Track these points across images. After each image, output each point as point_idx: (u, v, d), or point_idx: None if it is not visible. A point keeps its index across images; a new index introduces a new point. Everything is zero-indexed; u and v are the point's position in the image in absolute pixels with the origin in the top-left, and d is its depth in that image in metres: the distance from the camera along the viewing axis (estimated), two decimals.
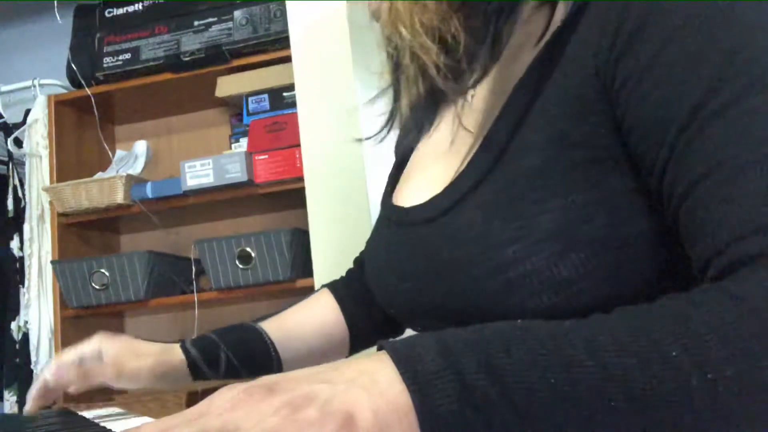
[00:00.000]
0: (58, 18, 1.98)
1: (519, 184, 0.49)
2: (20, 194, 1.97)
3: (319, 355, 0.79)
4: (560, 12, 0.51)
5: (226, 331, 0.77)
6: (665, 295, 0.40)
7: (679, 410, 0.35)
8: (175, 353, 0.75)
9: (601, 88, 0.46)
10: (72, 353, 0.75)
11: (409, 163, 0.68)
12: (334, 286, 0.83)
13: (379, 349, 0.39)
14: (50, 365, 0.75)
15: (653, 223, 0.46)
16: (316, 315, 0.80)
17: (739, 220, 0.39)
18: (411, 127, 0.70)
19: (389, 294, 0.62)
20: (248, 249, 1.69)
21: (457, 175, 0.54)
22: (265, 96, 1.83)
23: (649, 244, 0.46)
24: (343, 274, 0.86)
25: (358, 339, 0.81)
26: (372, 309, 0.79)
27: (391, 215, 0.63)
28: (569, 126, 0.47)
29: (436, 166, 0.61)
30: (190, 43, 1.84)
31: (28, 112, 1.97)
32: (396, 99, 0.66)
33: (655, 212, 0.46)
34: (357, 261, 0.86)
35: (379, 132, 0.69)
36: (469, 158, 0.54)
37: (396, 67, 0.63)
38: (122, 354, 0.74)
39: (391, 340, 0.40)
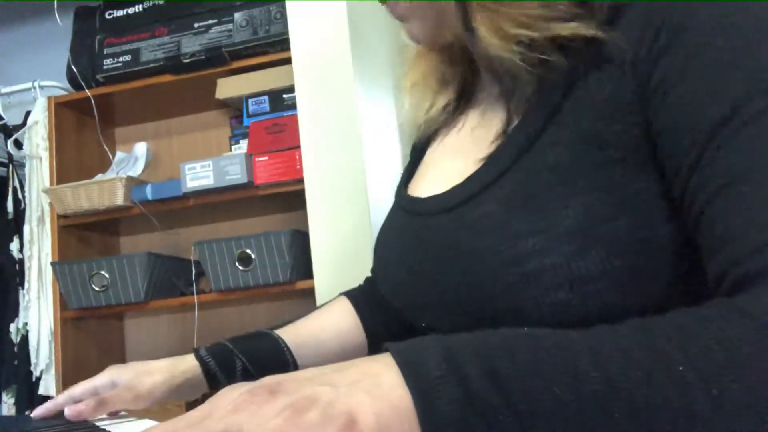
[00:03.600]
0: (58, 20, 1.98)
1: (544, 177, 0.48)
2: (20, 196, 1.96)
3: (337, 361, 0.78)
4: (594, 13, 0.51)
5: (241, 338, 0.77)
6: (676, 309, 0.40)
7: (683, 425, 0.35)
8: (189, 363, 0.75)
9: (637, 88, 0.46)
10: (85, 385, 0.74)
11: (425, 158, 0.68)
12: (350, 294, 0.83)
13: (384, 351, 0.39)
14: (68, 400, 0.74)
15: (676, 229, 0.46)
16: (333, 322, 0.80)
17: (758, 233, 0.38)
18: (428, 126, 0.70)
19: (398, 285, 0.61)
20: (248, 251, 1.69)
21: (480, 166, 0.54)
22: (265, 98, 1.83)
23: (671, 249, 0.46)
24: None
25: (376, 346, 0.80)
26: (389, 316, 0.78)
27: (405, 205, 0.63)
28: (601, 124, 0.47)
29: (455, 159, 0.61)
30: (190, 44, 1.84)
31: (28, 113, 1.97)
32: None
33: (679, 219, 0.45)
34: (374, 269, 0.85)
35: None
36: (492, 151, 0.53)
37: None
38: (134, 377, 0.73)
39: (396, 342, 0.39)
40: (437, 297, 0.55)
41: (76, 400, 0.74)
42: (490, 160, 0.53)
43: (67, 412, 0.72)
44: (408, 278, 0.59)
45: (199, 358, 0.75)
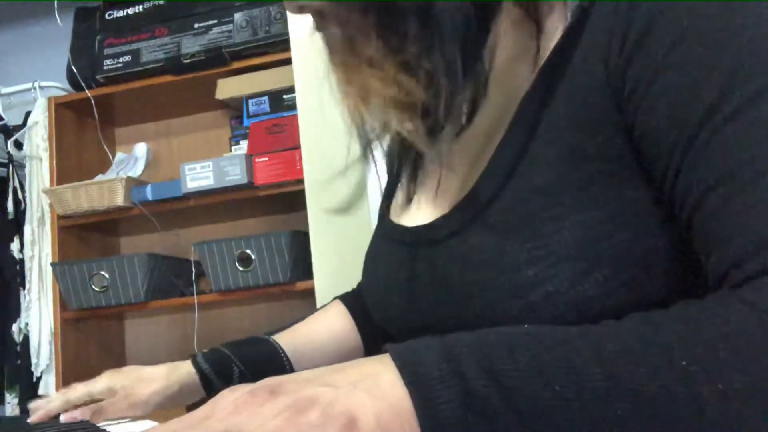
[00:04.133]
0: (59, 20, 1.98)
1: (533, 202, 0.46)
2: (20, 197, 1.97)
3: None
4: (558, 20, 0.49)
5: (238, 344, 0.77)
6: (679, 302, 0.39)
7: (688, 420, 0.34)
8: (186, 370, 0.75)
9: (612, 95, 0.44)
10: (81, 390, 0.75)
11: (402, 177, 0.66)
12: (345, 298, 0.83)
13: (383, 352, 0.39)
14: (64, 404, 0.74)
15: (674, 233, 0.44)
16: (329, 326, 0.80)
17: (757, 231, 0.37)
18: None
19: (390, 314, 0.60)
20: (248, 251, 1.69)
21: (465, 194, 0.52)
22: (265, 98, 1.83)
23: (672, 255, 0.44)
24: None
25: (372, 348, 0.80)
26: None
27: (390, 233, 0.61)
28: (582, 138, 0.45)
29: (435, 183, 0.58)
30: (191, 45, 1.84)
31: (28, 114, 1.97)
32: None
33: (673, 222, 0.44)
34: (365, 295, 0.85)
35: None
36: (476, 177, 0.51)
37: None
38: (131, 385, 0.74)
39: (395, 343, 0.39)
40: (434, 328, 0.53)
41: (72, 404, 0.74)
42: (476, 188, 0.51)
43: (62, 419, 0.72)
44: (400, 307, 0.57)
45: (195, 365, 0.75)
